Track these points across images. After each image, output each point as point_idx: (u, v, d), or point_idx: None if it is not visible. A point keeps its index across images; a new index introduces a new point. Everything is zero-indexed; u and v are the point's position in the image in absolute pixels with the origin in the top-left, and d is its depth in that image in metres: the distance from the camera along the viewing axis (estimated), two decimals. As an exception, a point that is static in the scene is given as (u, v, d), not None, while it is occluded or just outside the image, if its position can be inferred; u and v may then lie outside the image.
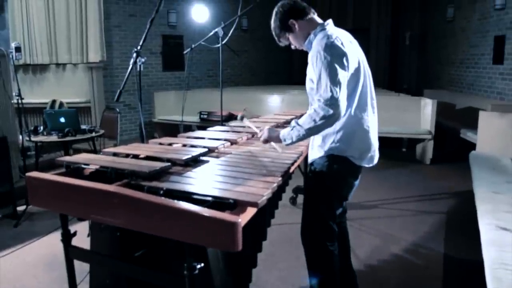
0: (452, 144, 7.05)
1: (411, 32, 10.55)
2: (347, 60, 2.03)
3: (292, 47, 2.37)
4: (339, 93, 1.96)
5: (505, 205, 3.07)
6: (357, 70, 2.12)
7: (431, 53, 9.99)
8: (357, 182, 2.36)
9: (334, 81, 1.97)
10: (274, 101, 7.26)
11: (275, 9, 2.28)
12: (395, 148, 7.10)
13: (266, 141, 2.29)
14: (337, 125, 2.13)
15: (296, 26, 2.22)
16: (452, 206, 4.54)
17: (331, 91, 1.95)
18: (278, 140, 2.21)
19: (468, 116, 6.60)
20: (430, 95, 7.67)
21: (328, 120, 1.98)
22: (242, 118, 2.79)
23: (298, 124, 2.07)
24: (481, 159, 4.62)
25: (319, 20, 2.25)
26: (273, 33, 2.35)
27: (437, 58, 9.54)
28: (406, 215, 4.28)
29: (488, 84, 7.05)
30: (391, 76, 11.01)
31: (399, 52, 10.99)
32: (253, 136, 2.87)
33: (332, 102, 1.95)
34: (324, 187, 2.26)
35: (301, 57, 11.36)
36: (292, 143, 2.14)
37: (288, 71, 11.47)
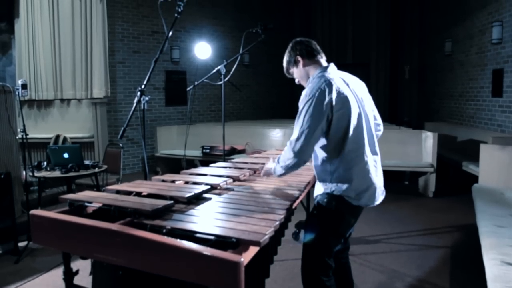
0: (455, 177, 7.03)
1: (410, 66, 10.71)
2: (331, 105, 2.12)
3: (296, 81, 2.52)
4: (304, 140, 2.13)
5: (509, 239, 3.05)
6: (347, 112, 2.17)
7: (430, 86, 10.11)
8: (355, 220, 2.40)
9: (305, 127, 2.13)
10: (276, 135, 7.31)
11: (290, 43, 2.46)
12: (398, 181, 7.09)
13: (265, 175, 2.64)
14: (331, 167, 2.23)
15: (301, 63, 2.38)
16: (456, 240, 4.50)
17: (298, 135, 2.15)
18: (270, 173, 2.51)
19: (469, 148, 6.63)
20: (431, 128, 7.72)
21: (294, 162, 2.21)
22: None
23: (278, 162, 2.34)
24: (484, 192, 4.61)
25: (324, 64, 2.38)
26: (283, 65, 2.51)
27: (437, 91, 9.65)
28: (411, 249, 4.24)
29: (488, 116, 7.11)
30: (392, 109, 11.11)
31: (399, 86, 11.13)
32: (255, 172, 2.89)
33: (296, 146, 2.16)
34: (322, 223, 2.31)
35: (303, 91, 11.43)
36: (278, 176, 2.41)
37: (290, 105, 11.59)
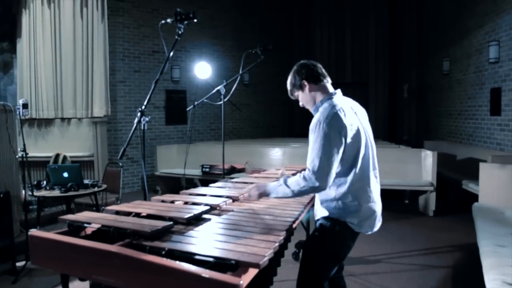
0: (455, 195, 7.02)
1: (409, 84, 10.79)
2: (345, 133, 2.13)
3: (300, 104, 2.48)
4: (326, 167, 2.09)
5: (510, 259, 3.03)
6: (358, 141, 2.20)
7: (429, 105, 10.17)
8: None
9: (325, 154, 2.10)
10: (276, 154, 7.32)
11: (295, 66, 2.43)
12: (398, 200, 7.07)
13: (258, 198, 2.44)
14: (337, 193, 2.22)
15: (307, 88, 2.35)
16: (458, 259, 4.47)
17: (319, 163, 2.10)
18: (265, 194, 2.36)
19: (469, 167, 6.63)
20: (430, 147, 7.73)
21: (313, 190, 2.19)
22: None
23: (286, 184, 2.23)
24: (484, 211, 4.59)
25: (330, 89, 2.36)
26: (287, 87, 2.47)
27: (436, 110, 9.70)
28: (412, 269, 4.21)
29: (487, 135, 7.13)
30: (391, 128, 11.15)
31: (398, 104, 11.20)
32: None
33: (318, 174, 2.10)
34: (323, 246, 2.31)
35: (303, 110, 11.52)
36: (277, 197, 2.33)
37: (290, 124, 11.63)
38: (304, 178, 2.15)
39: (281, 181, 2.28)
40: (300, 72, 2.36)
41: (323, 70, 2.40)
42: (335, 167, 2.14)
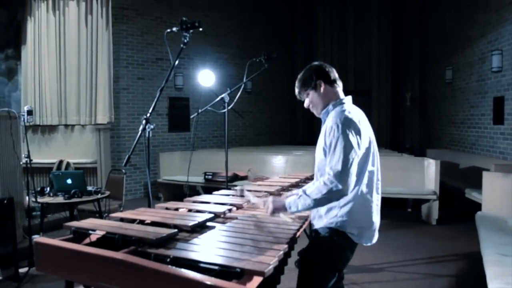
0: (458, 204, 7.00)
1: (411, 93, 10.80)
2: (360, 138, 2.11)
3: (305, 105, 2.40)
4: (350, 169, 2.02)
5: (514, 268, 3.02)
6: (368, 149, 2.19)
7: (432, 113, 10.17)
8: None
9: (348, 156, 2.03)
10: (278, 162, 7.32)
11: (311, 64, 2.37)
12: (400, 209, 7.05)
13: (273, 213, 2.28)
14: (342, 200, 2.15)
15: (322, 88, 2.29)
16: (461, 268, 4.45)
17: (342, 165, 2.01)
18: (283, 209, 2.23)
19: (472, 175, 6.61)
20: (433, 155, 7.73)
21: (336, 194, 2.03)
22: (241, 191, 2.81)
23: (306, 194, 2.10)
24: (487, 220, 4.58)
25: (341, 95, 2.33)
26: (297, 84, 2.38)
27: (438, 118, 9.70)
28: (415, 278, 4.19)
29: (490, 144, 7.12)
30: (393, 136, 11.14)
31: (400, 112, 11.19)
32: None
33: (342, 177, 2.01)
34: (321, 257, 2.26)
35: (305, 118, 11.60)
36: (298, 211, 2.18)
37: (292, 132, 11.63)
38: (325, 183, 2.04)
39: (299, 192, 2.17)
40: (317, 71, 2.30)
41: (337, 75, 2.36)
42: (355, 170, 2.07)
